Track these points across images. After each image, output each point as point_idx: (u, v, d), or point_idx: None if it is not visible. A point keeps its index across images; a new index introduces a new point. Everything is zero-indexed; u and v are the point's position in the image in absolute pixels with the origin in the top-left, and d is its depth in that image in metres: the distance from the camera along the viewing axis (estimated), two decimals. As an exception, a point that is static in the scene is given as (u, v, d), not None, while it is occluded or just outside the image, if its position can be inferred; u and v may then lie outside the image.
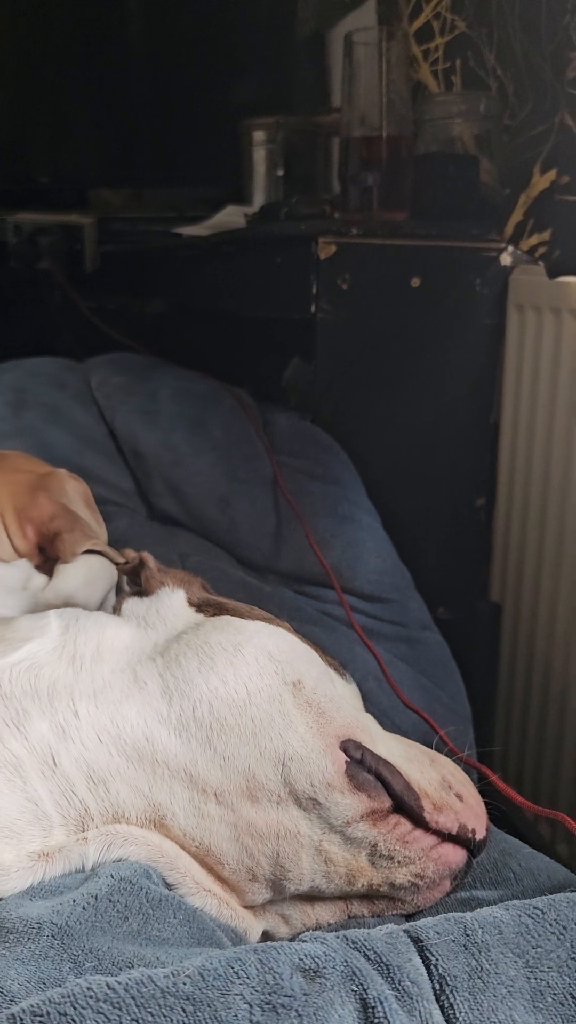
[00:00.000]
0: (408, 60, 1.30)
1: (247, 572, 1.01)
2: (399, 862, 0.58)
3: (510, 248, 1.11)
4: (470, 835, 0.60)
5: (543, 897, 0.45)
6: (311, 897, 0.59)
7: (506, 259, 1.11)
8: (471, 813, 0.61)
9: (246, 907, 0.58)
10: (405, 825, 0.58)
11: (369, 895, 0.59)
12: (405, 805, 0.58)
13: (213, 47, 1.82)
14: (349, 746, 0.59)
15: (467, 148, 1.22)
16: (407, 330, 1.11)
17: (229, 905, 0.57)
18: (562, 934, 0.42)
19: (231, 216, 1.44)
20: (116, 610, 0.70)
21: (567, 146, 0.95)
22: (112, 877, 0.50)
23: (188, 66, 1.84)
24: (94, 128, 1.90)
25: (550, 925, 0.43)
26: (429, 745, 0.66)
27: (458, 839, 0.60)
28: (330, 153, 1.53)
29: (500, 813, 0.72)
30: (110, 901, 0.48)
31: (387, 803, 0.58)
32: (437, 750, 0.66)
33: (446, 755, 0.66)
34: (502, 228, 1.12)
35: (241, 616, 0.66)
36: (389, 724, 0.73)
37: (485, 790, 0.67)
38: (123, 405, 1.15)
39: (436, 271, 1.10)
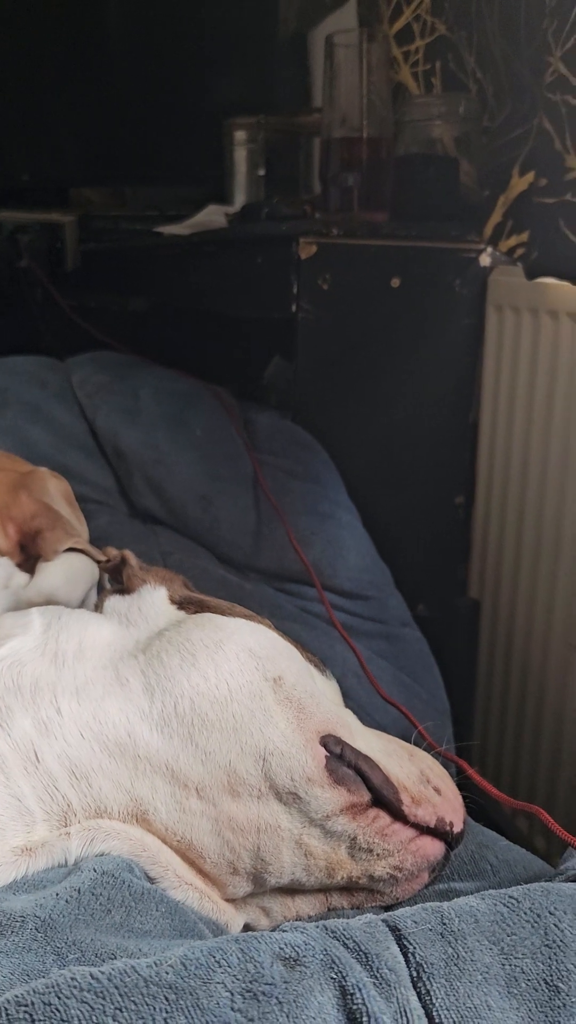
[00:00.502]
0: (388, 62, 1.31)
1: (228, 570, 1.02)
2: (378, 855, 0.59)
3: (489, 249, 1.12)
4: (448, 828, 0.61)
5: (518, 887, 0.46)
6: (291, 890, 0.60)
7: (485, 260, 1.12)
8: (449, 806, 0.62)
9: (227, 900, 0.59)
10: (384, 818, 0.59)
11: (349, 887, 0.60)
12: (384, 799, 0.59)
13: (195, 47, 1.82)
14: (329, 741, 0.59)
15: (447, 150, 1.23)
16: (387, 330, 1.12)
17: (210, 898, 0.57)
18: (536, 922, 0.43)
19: (212, 215, 1.44)
20: (98, 608, 0.70)
21: (545, 149, 0.96)
22: (95, 871, 0.51)
23: (170, 65, 1.84)
24: (75, 126, 1.89)
25: (525, 913, 0.44)
26: (408, 740, 0.67)
27: (436, 832, 0.60)
28: (311, 153, 1.54)
29: (478, 807, 0.73)
30: (93, 894, 0.49)
31: (366, 797, 0.59)
32: (415, 744, 0.67)
33: (424, 749, 0.67)
34: (481, 229, 1.13)
35: (222, 613, 0.66)
36: (369, 720, 0.73)
37: (463, 784, 0.69)
38: (105, 404, 1.15)
39: (416, 272, 1.11)
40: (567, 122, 0.91)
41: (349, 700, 0.82)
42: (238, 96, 1.75)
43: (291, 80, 1.78)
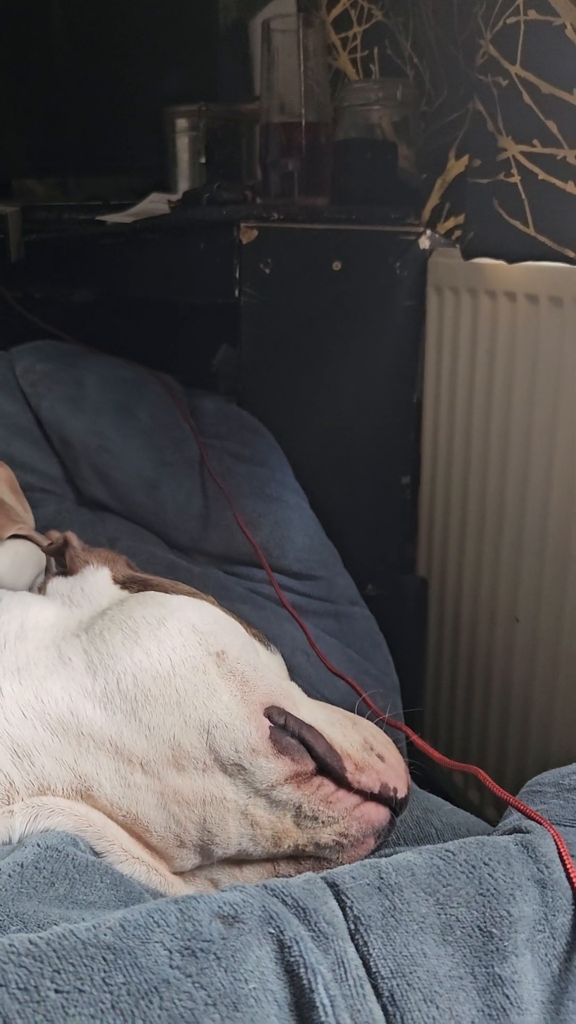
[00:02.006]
0: (326, 48, 1.32)
1: (176, 554, 1.02)
2: (323, 822, 0.60)
3: (428, 232, 1.14)
4: (392, 794, 0.62)
5: (455, 841, 0.47)
6: (239, 860, 0.61)
7: (424, 242, 1.14)
8: (393, 773, 0.63)
9: (175, 873, 0.59)
10: (328, 786, 0.60)
11: (295, 856, 0.61)
12: (328, 767, 0.60)
13: (136, 36, 1.81)
14: (273, 712, 0.60)
15: (386, 134, 1.24)
16: (330, 313, 1.12)
17: (158, 871, 0.58)
18: (471, 872, 0.44)
19: (155, 203, 1.44)
20: (41, 590, 0.70)
21: (479, 131, 0.98)
22: (38, 846, 0.51)
23: (111, 56, 1.82)
24: (17, 117, 1.87)
25: (460, 865, 0.45)
26: (358, 713, 0.68)
27: (380, 798, 0.62)
28: (253, 141, 1.54)
29: (424, 773, 0.74)
30: (36, 868, 0.49)
31: (310, 766, 0.60)
32: (361, 715, 0.68)
33: (369, 718, 0.68)
34: (420, 212, 1.14)
35: (165, 591, 0.67)
36: (318, 696, 0.74)
37: (409, 751, 0.70)
38: (49, 392, 1.14)
39: (357, 255, 1.12)
40: (498, 103, 0.92)
41: (298, 678, 0.83)
42: (180, 85, 1.74)
43: (232, 68, 1.77)
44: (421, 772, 0.74)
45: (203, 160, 1.48)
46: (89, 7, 1.81)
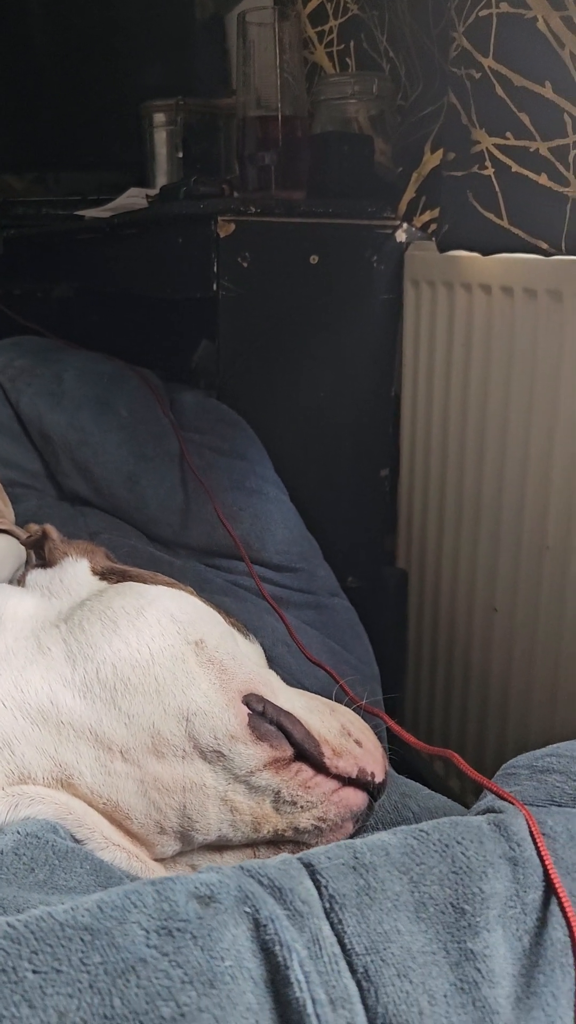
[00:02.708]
0: (302, 41, 1.32)
1: (157, 547, 1.02)
2: (302, 807, 0.60)
3: (404, 225, 1.14)
4: (369, 778, 0.63)
5: (429, 821, 0.48)
6: (219, 846, 0.61)
7: (401, 236, 1.15)
8: (370, 758, 0.64)
9: (156, 860, 0.60)
10: (307, 771, 0.61)
11: (275, 841, 0.62)
12: (306, 752, 0.61)
13: (114, 31, 1.81)
14: (251, 699, 0.61)
15: (362, 128, 1.24)
16: (308, 306, 1.13)
17: (139, 858, 0.58)
18: (444, 851, 0.45)
19: (133, 198, 1.44)
20: (20, 582, 0.71)
21: (453, 124, 0.98)
22: (18, 833, 0.51)
23: (89, 50, 1.82)
24: (-5, 113, 1.86)
25: (434, 844, 0.46)
26: (338, 702, 0.69)
27: (358, 783, 0.62)
28: (231, 135, 1.54)
29: (402, 759, 0.75)
30: (16, 855, 0.50)
31: (289, 751, 0.60)
32: (339, 702, 0.69)
33: (347, 705, 0.68)
34: (396, 206, 1.15)
35: (144, 582, 0.67)
36: (298, 686, 0.75)
37: (388, 737, 0.71)
38: (28, 387, 1.14)
39: (334, 248, 1.13)
40: (472, 96, 0.93)
41: (278, 668, 0.84)
42: (158, 80, 1.74)
43: (209, 63, 1.78)
44: (399, 758, 0.75)
45: (180, 155, 1.49)
46: (67, 3, 1.80)
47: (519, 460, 0.95)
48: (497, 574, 1.00)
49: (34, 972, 0.36)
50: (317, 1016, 0.38)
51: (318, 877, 0.43)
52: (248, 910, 0.40)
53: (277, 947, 0.39)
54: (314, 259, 1.12)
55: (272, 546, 1.00)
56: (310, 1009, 0.38)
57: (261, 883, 0.42)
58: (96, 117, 1.82)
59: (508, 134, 0.91)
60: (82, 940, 0.38)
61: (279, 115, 1.18)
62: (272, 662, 0.85)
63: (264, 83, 1.19)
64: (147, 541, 1.04)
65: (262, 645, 0.76)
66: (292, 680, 0.84)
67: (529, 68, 0.88)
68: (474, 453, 1.03)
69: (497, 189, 0.93)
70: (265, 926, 0.40)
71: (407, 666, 1.23)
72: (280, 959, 0.39)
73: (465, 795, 1.09)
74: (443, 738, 1.14)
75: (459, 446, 1.06)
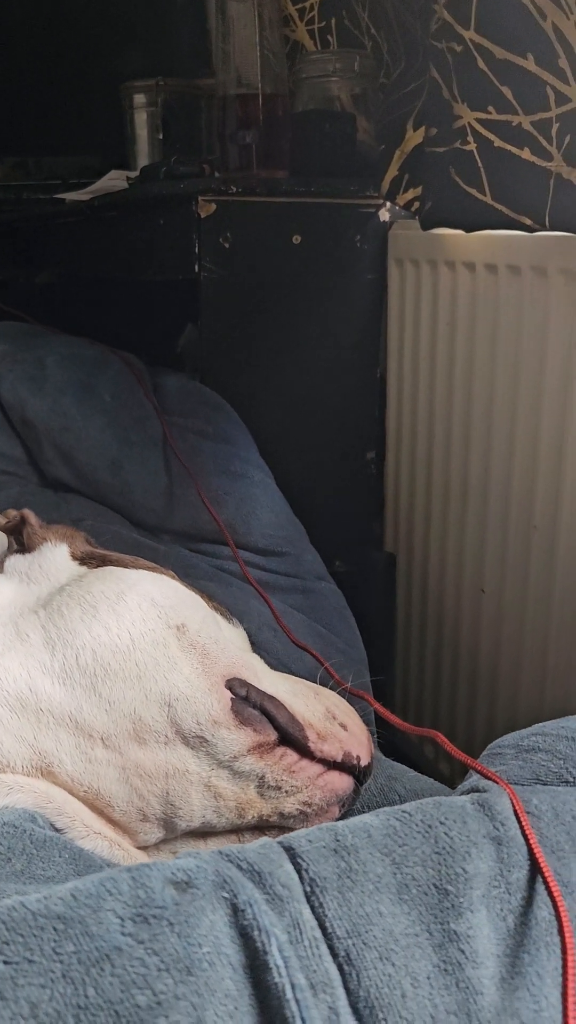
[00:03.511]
0: (281, 18, 1.30)
1: (141, 533, 1.01)
2: (287, 792, 0.60)
3: (388, 204, 1.13)
4: (355, 762, 0.62)
5: (412, 802, 0.47)
6: (204, 833, 0.61)
7: (384, 215, 1.13)
8: (355, 741, 0.63)
9: (139, 847, 0.59)
10: (291, 756, 0.60)
11: (260, 826, 0.61)
12: (290, 736, 0.60)
13: (92, 12, 1.78)
14: (234, 684, 0.60)
15: (344, 106, 1.23)
16: (291, 287, 1.12)
17: (121, 846, 0.58)
18: (427, 832, 0.44)
19: (114, 180, 1.42)
20: (-1, 569, 0.69)
21: (435, 99, 0.97)
22: (-5, 822, 0.51)
23: (68, 33, 1.80)
24: (-28, 98, 1.83)
25: (416, 825, 0.45)
26: (325, 686, 0.68)
27: (344, 766, 0.62)
28: (212, 116, 1.52)
29: (389, 742, 0.75)
30: (-8, 844, 0.49)
31: (273, 736, 0.60)
32: (325, 686, 0.68)
33: (332, 688, 0.68)
34: (379, 185, 1.14)
35: (124, 566, 0.66)
36: (284, 671, 0.74)
37: (376, 720, 0.70)
38: (9, 373, 1.13)
39: (317, 228, 1.11)
40: (453, 70, 0.92)
41: (265, 653, 0.83)
42: (138, 61, 1.72)
43: (190, 42, 1.75)
44: (387, 741, 0.74)
45: (161, 136, 1.46)
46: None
47: (506, 439, 0.94)
48: (485, 555, 0.99)
49: (5, 963, 0.35)
50: (297, 1001, 0.37)
51: (299, 860, 0.43)
52: (226, 895, 0.40)
53: (256, 932, 0.39)
54: (297, 239, 1.10)
55: (258, 530, 0.99)
56: (289, 994, 0.37)
57: (240, 867, 0.42)
58: (76, 100, 1.79)
59: (490, 108, 0.89)
60: (55, 929, 0.37)
61: (260, 93, 1.16)
62: (258, 647, 0.84)
63: (244, 61, 1.17)
64: (131, 527, 1.02)
65: (248, 630, 0.75)
66: (279, 665, 0.83)
67: (511, 40, 0.87)
68: (461, 433, 1.02)
69: (480, 165, 0.92)
70: (243, 911, 0.39)
71: (395, 649, 1.23)
72: (259, 944, 0.38)
73: (454, 778, 1.09)
74: (432, 720, 1.14)
75: (446, 426, 1.05)
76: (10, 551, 0.72)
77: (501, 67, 0.87)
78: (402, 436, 1.15)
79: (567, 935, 0.40)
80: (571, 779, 0.52)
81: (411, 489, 1.14)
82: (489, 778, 0.50)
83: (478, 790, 0.49)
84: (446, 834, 0.44)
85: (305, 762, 0.60)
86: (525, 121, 0.86)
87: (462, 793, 0.51)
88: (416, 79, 1.13)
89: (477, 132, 0.91)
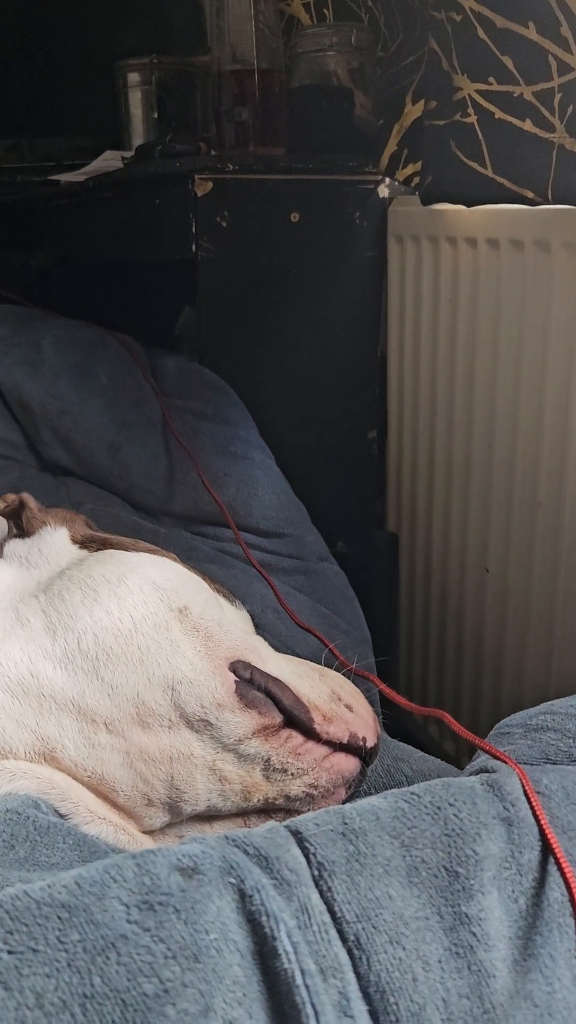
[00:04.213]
0: (276, -8, 1.28)
1: (142, 516, 1.00)
2: (292, 774, 0.59)
3: (387, 180, 1.11)
4: (361, 743, 0.61)
5: (420, 784, 0.46)
6: (209, 817, 0.60)
7: (384, 191, 1.11)
8: (361, 722, 0.62)
9: (145, 832, 0.59)
10: (297, 738, 0.59)
11: (266, 809, 0.60)
12: (295, 719, 0.59)
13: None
14: (238, 666, 0.59)
15: (341, 81, 1.21)
16: (290, 266, 1.10)
17: (126, 831, 0.57)
18: (436, 814, 0.44)
19: (109, 161, 1.40)
20: (-2, 554, 0.69)
21: (434, 71, 0.95)
22: (-2, 809, 0.50)
23: (61, 12, 1.77)
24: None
25: (425, 807, 0.44)
26: (330, 667, 0.67)
27: (349, 748, 0.61)
28: (208, 94, 1.50)
29: (395, 723, 0.74)
30: (-5, 831, 0.48)
31: (278, 718, 0.59)
32: (329, 667, 0.67)
33: (337, 670, 0.67)
34: (378, 160, 1.12)
35: (125, 549, 0.66)
36: (289, 652, 0.73)
37: (381, 701, 0.69)
38: (6, 356, 1.11)
39: (315, 205, 1.10)
40: (453, 40, 0.90)
41: (268, 635, 0.82)
42: (131, 39, 1.69)
43: (184, 19, 1.72)
44: (393, 722, 0.74)
45: (156, 115, 1.44)
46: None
47: (509, 416, 0.92)
48: (489, 534, 0.98)
49: (9, 952, 0.35)
50: (307, 987, 0.36)
51: (306, 844, 0.42)
52: (233, 881, 0.39)
53: (263, 918, 0.38)
54: (295, 217, 1.09)
55: (259, 512, 0.98)
56: (299, 980, 0.36)
57: (246, 852, 0.41)
58: (70, 80, 1.77)
59: (491, 79, 0.88)
60: (59, 918, 0.36)
61: (255, 69, 1.14)
62: (262, 629, 0.83)
63: (239, 36, 1.15)
64: (131, 510, 1.02)
65: (251, 612, 0.75)
66: (283, 646, 0.82)
67: (511, 8, 0.85)
68: (463, 411, 1.01)
69: (480, 137, 0.90)
70: (251, 897, 0.38)
71: (399, 630, 1.22)
72: (267, 930, 0.38)
73: (460, 758, 1.09)
74: (438, 700, 1.13)
75: (448, 405, 1.04)
76: (10, 536, 0.71)
77: (502, 36, 0.85)
78: (404, 415, 1.14)
79: (580, 916, 0.40)
80: (581, 758, 0.51)
81: (413, 468, 1.13)
82: (498, 758, 0.49)
83: (487, 770, 0.48)
84: (455, 816, 0.44)
85: (311, 744, 0.60)
86: (527, 91, 0.85)
87: (471, 774, 0.50)
88: (415, 51, 1.11)
89: (477, 104, 0.89)
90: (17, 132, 1.84)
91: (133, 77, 1.49)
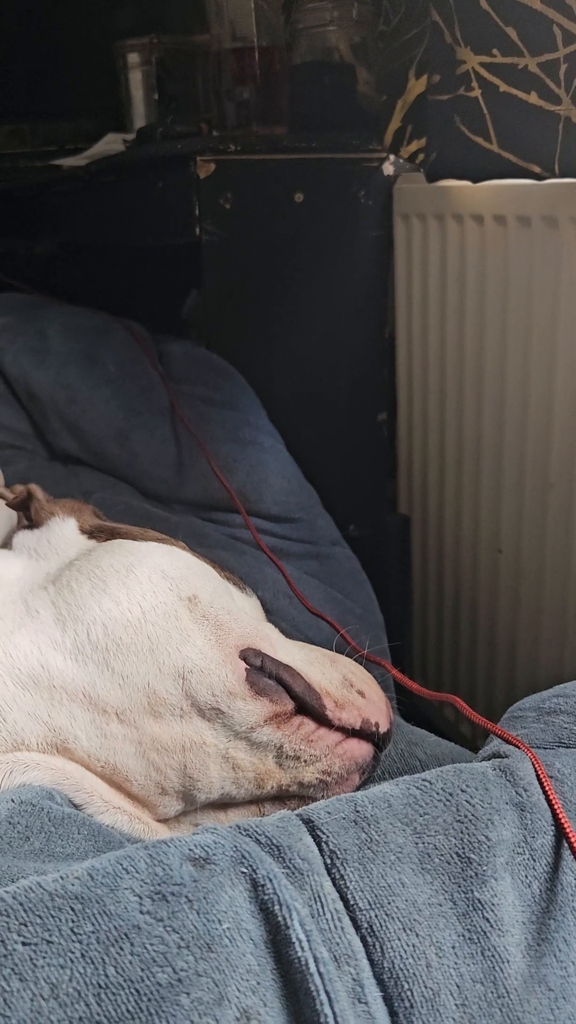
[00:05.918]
0: (276, -33, 1.26)
1: (152, 504, 1.00)
2: (305, 761, 0.59)
3: (392, 157, 1.10)
4: (374, 729, 0.61)
5: (432, 770, 0.46)
6: (223, 804, 0.60)
7: (388, 168, 1.10)
8: (373, 708, 0.62)
9: (159, 820, 0.59)
10: (309, 725, 0.59)
11: (280, 796, 0.60)
12: (307, 705, 0.59)
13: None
14: (249, 654, 0.59)
15: (343, 57, 1.19)
16: (295, 247, 1.09)
17: (141, 820, 0.57)
18: (448, 800, 0.44)
19: (111, 144, 1.39)
20: (6, 545, 0.69)
21: (437, 44, 0.94)
22: (12, 801, 0.50)
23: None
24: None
25: (437, 793, 0.44)
26: (342, 653, 0.67)
27: (362, 734, 0.61)
28: (208, 73, 1.48)
29: (409, 708, 0.74)
30: (10, 823, 0.48)
31: (290, 705, 0.59)
32: (341, 652, 0.67)
33: (349, 655, 0.67)
34: (382, 137, 1.10)
35: (133, 539, 0.65)
36: (301, 638, 0.73)
37: (395, 686, 0.69)
38: (11, 345, 1.11)
39: (319, 185, 1.08)
40: (455, 11, 0.88)
41: (281, 621, 0.82)
42: (131, 20, 1.68)
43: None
44: (407, 707, 0.73)
45: (156, 96, 1.43)
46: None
47: (519, 396, 0.92)
48: (501, 515, 0.98)
49: (24, 944, 0.35)
50: (320, 975, 0.36)
51: (318, 833, 0.42)
52: (245, 870, 0.39)
53: (276, 907, 0.38)
54: (299, 197, 1.08)
55: (270, 497, 0.98)
56: (312, 968, 0.36)
57: (258, 842, 0.41)
58: (69, 63, 1.76)
59: (494, 51, 0.86)
60: (72, 909, 0.37)
61: (255, 47, 1.13)
62: (274, 615, 0.83)
63: (238, 12, 1.13)
64: (141, 498, 1.01)
65: (263, 598, 0.75)
66: (296, 632, 0.82)
67: (515, -23, 0.83)
68: (473, 391, 1.00)
69: (485, 111, 0.89)
70: (263, 886, 0.38)
71: (412, 613, 1.22)
72: (280, 919, 0.38)
73: (475, 740, 1.09)
74: (452, 684, 1.13)
75: (457, 385, 1.03)
76: (19, 527, 0.71)
77: (505, 6, 0.84)
78: (413, 396, 1.13)
79: (594, 901, 0.39)
80: (594, 741, 0.51)
81: (424, 450, 1.12)
82: (510, 742, 0.49)
83: (499, 755, 0.48)
84: (468, 802, 0.43)
85: (323, 731, 0.60)
86: (531, 63, 0.83)
87: (483, 759, 0.50)
88: (417, 24, 1.09)
89: (482, 77, 0.87)
90: (17, 117, 1.83)
91: (133, 57, 1.48)
